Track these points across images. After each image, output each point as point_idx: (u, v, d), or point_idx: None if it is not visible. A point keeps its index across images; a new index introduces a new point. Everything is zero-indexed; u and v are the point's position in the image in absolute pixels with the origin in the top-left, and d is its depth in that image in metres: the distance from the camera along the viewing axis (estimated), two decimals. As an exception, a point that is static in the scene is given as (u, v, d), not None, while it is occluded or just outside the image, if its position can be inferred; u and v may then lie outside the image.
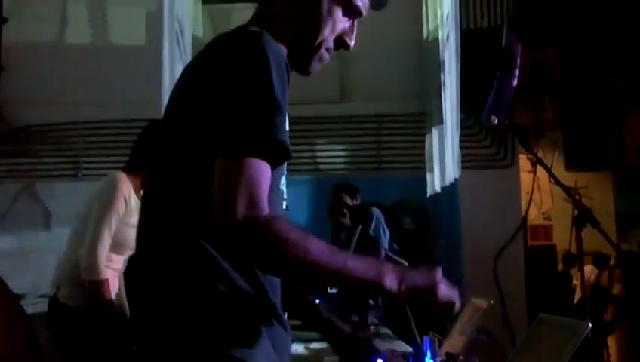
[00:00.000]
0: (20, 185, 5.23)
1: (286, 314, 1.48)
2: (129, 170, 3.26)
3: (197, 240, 1.28)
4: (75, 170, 5.19)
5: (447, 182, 4.31)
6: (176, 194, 1.34)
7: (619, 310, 6.86)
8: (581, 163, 8.36)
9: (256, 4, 1.53)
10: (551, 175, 2.75)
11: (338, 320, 1.76)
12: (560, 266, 7.81)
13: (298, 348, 2.57)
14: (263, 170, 1.22)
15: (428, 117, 4.80)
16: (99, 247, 3.06)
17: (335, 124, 5.14)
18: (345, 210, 4.55)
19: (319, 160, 5.15)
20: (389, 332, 3.13)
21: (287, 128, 1.33)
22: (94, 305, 3.06)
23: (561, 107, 8.47)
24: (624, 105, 8.59)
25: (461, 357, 2.11)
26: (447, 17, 4.17)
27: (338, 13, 1.46)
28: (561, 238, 7.89)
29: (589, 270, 7.15)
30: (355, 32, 1.51)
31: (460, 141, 4.22)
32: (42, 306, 3.75)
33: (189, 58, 4.13)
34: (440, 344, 2.24)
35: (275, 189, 1.34)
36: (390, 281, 1.23)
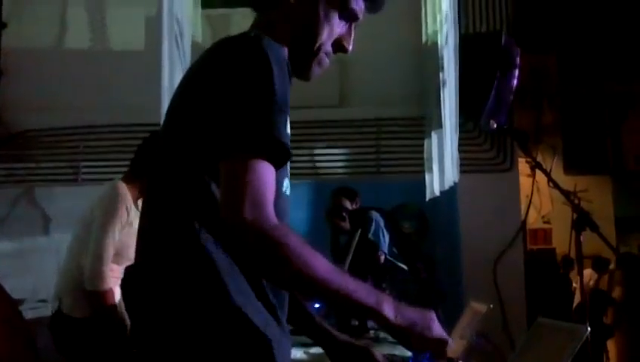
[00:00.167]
0: (19, 190, 5.23)
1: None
2: (129, 179, 3.26)
3: (198, 248, 1.29)
4: (74, 175, 5.18)
5: (447, 186, 4.31)
6: (177, 201, 1.34)
7: (619, 313, 6.86)
8: (580, 167, 8.37)
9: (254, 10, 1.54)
10: (550, 179, 2.76)
11: (334, 328, 1.76)
12: (560, 270, 7.80)
13: (297, 353, 2.56)
14: (266, 170, 1.23)
15: (427, 121, 4.80)
16: (103, 258, 3.06)
17: (334, 128, 5.14)
18: (344, 214, 4.55)
19: (318, 164, 5.15)
20: (389, 336, 3.13)
21: (289, 130, 1.33)
22: (99, 314, 3.05)
23: (561, 112, 8.48)
24: (623, 110, 8.61)
25: (460, 362, 2.11)
26: (446, 22, 4.18)
27: (335, 17, 1.48)
28: (561, 242, 7.88)
29: (589, 274, 7.15)
30: (352, 36, 1.53)
31: (460, 145, 4.22)
32: (41, 311, 3.75)
33: (188, 62, 4.13)
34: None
35: (280, 194, 1.35)
36: (388, 310, 1.26)
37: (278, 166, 1.27)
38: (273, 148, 1.24)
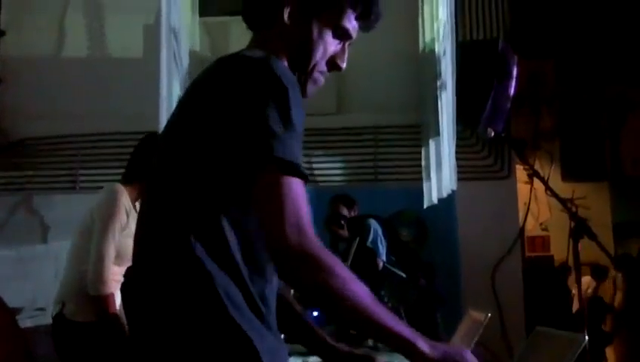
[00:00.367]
0: (17, 197, 5.23)
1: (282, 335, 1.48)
2: (126, 181, 3.25)
3: (195, 254, 1.29)
4: (72, 183, 5.19)
5: (445, 194, 4.32)
6: (178, 208, 1.35)
7: (618, 321, 6.86)
8: (578, 174, 8.37)
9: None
10: (547, 187, 2.76)
11: (332, 339, 1.76)
12: (558, 277, 7.80)
13: (295, 362, 2.56)
14: (302, 189, 1.28)
15: (425, 128, 4.81)
16: (105, 262, 3.05)
17: (332, 135, 5.14)
18: (342, 222, 4.55)
19: (317, 171, 5.15)
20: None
21: None
22: (102, 319, 3.05)
23: (558, 118, 8.49)
24: (621, 115, 8.62)
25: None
26: (443, 29, 4.19)
27: (329, 36, 1.50)
28: (559, 249, 7.88)
29: (587, 281, 7.16)
30: (346, 54, 1.55)
31: (457, 152, 4.23)
32: (40, 319, 3.74)
33: (185, 70, 4.14)
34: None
35: None
36: (422, 344, 1.28)
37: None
38: (299, 167, 1.28)
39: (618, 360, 6.88)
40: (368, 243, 4.32)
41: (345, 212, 4.61)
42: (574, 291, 6.97)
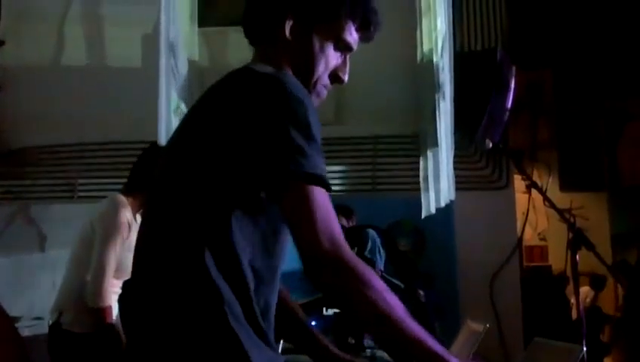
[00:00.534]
0: (15, 207, 5.22)
1: (281, 340, 1.49)
2: (128, 192, 3.24)
3: (204, 267, 1.29)
4: (70, 192, 5.18)
5: (443, 204, 4.31)
6: (186, 221, 1.35)
7: (616, 330, 6.86)
8: (576, 183, 8.37)
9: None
10: (545, 198, 2.76)
11: (335, 346, 1.76)
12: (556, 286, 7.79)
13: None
14: (329, 200, 1.32)
15: (423, 139, 4.81)
16: (105, 274, 3.04)
17: (330, 145, 5.14)
18: (340, 232, 4.53)
19: (315, 181, 5.14)
20: (385, 355, 3.12)
21: None
22: (99, 330, 3.04)
23: (556, 128, 8.50)
24: (619, 126, 8.63)
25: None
26: (441, 40, 4.20)
27: (330, 49, 1.51)
28: (557, 259, 7.87)
29: (586, 291, 7.15)
30: (347, 66, 1.58)
31: (455, 162, 4.23)
32: (37, 328, 3.73)
33: (183, 80, 4.15)
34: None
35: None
36: (455, 360, 1.29)
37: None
38: (324, 178, 1.32)
39: (616, 370, 6.86)
40: (366, 253, 4.30)
41: (343, 222, 4.60)
42: (573, 301, 6.96)
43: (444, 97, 4.07)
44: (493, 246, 4.99)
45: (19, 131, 5.12)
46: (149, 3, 4.23)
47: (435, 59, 4.31)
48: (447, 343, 2.87)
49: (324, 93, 1.57)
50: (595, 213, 8.23)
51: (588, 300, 7.22)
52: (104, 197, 3.38)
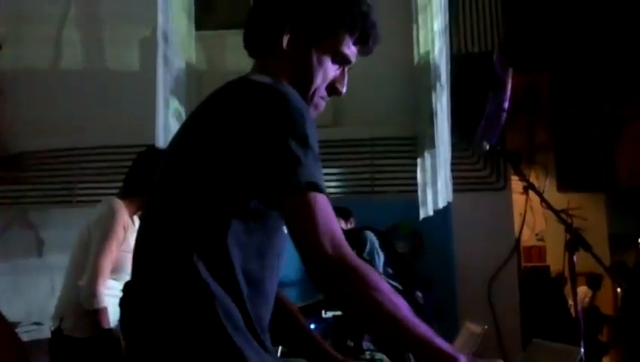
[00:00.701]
0: (13, 211, 5.22)
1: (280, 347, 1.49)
2: (125, 195, 3.25)
3: (198, 273, 1.30)
4: (69, 196, 5.17)
5: (441, 206, 4.32)
6: (182, 227, 1.36)
7: (614, 330, 6.87)
8: (573, 185, 8.39)
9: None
10: (543, 200, 2.77)
11: (334, 350, 1.76)
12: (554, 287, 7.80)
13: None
14: (329, 205, 1.32)
15: (420, 141, 4.82)
16: (100, 276, 3.04)
17: (329, 148, 5.14)
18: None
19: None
20: (384, 357, 3.13)
21: None
22: (98, 334, 3.04)
23: (553, 129, 8.51)
24: (616, 127, 8.64)
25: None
26: (438, 42, 4.21)
27: (328, 62, 1.53)
28: (555, 259, 7.88)
29: (584, 291, 7.16)
30: (345, 78, 1.58)
31: (453, 164, 4.23)
32: (35, 334, 3.72)
33: (182, 84, 4.16)
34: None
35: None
36: (463, 359, 1.30)
37: None
38: (321, 186, 1.32)
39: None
40: (365, 255, 4.31)
41: (341, 224, 4.60)
42: (571, 301, 6.97)
43: (441, 100, 4.09)
44: (491, 247, 4.99)
45: (17, 136, 5.12)
46: (147, 7, 4.24)
47: (432, 62, 4.33)
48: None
49: (322, 104, 1.58)
50: (592, 214, 8.25)
51: (587, 300, 7.23)
52: (103, 201, 3.38)
